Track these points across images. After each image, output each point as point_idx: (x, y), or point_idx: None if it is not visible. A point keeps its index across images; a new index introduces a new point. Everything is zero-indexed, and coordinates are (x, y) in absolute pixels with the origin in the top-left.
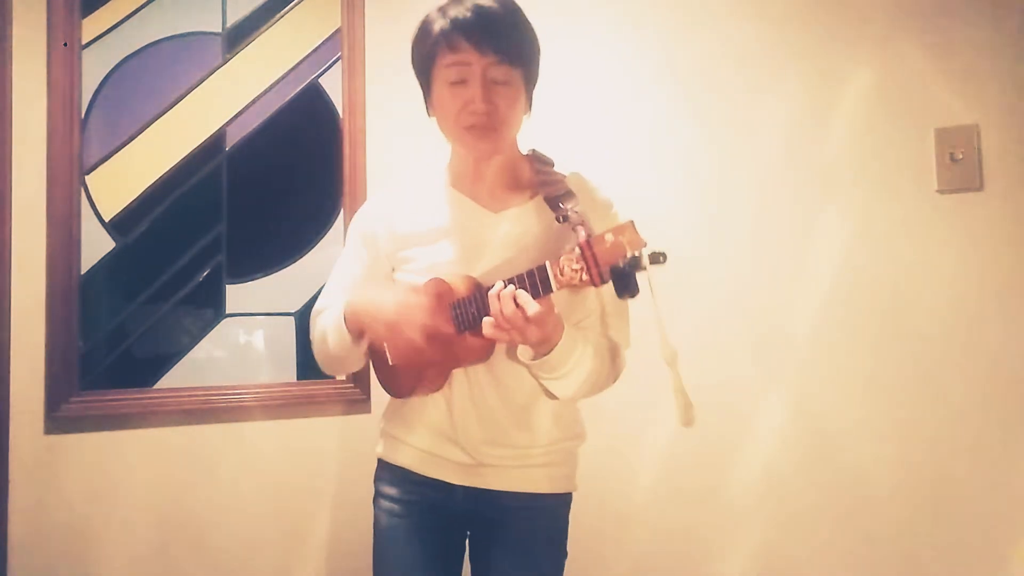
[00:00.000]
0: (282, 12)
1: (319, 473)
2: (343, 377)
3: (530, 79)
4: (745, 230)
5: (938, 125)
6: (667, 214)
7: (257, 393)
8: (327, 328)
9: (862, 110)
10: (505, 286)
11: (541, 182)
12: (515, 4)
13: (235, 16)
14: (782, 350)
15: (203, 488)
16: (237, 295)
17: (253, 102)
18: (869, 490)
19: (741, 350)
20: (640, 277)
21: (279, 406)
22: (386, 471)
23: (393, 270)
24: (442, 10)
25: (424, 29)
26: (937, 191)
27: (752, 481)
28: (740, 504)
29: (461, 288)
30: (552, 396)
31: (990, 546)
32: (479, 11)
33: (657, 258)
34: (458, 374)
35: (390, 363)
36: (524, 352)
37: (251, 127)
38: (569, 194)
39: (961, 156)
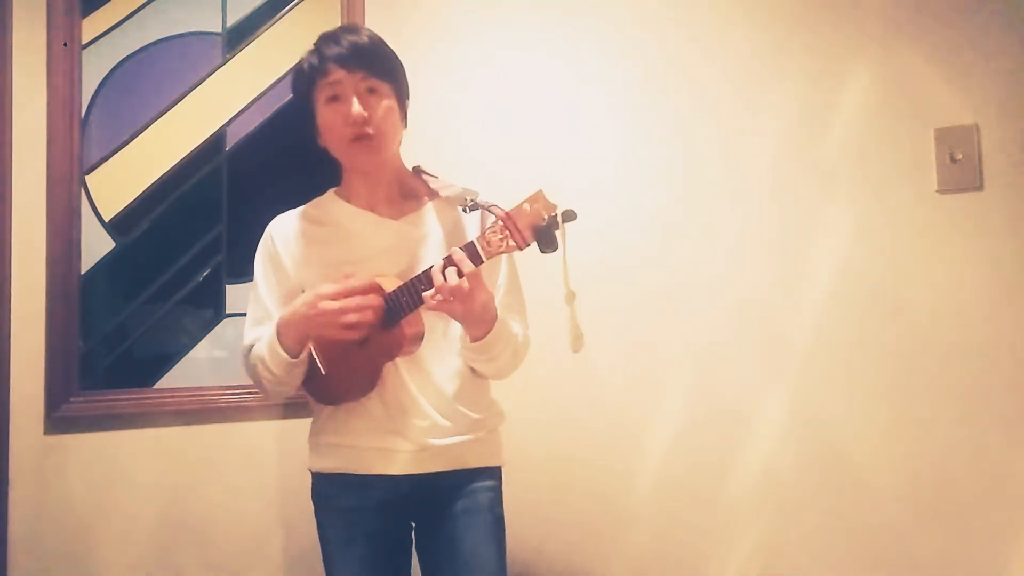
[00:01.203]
0: (282, 12)
1: None
2: None
3: (400, 94)
4: (745, 230)
5: (938, 125)
6: (667, 214)
7: (257, 393)
8: (263, 354)
9: (862, 110)
10: (445, 266)
11: (435, 188)
12: (377, 35)
13: (235, 16)
14: (782, 350)
15: (203, 488)
16: (237, 295)
17: (253, 102)
18: (869, 490)
19: (741, 350)
20: (557, 235)
21: (279, 406)
22: (325, 482)
23: (304, 290)
24: (313, 50)
25: (299, 69)
26: (937, 191)
27: (752, 481)
28: (740, 504)
29: (387, 284)
30: (482, 376)
31: (990, 546)
32: (344, 42)
33: (569, 215)
34: (387, 368)
35: (323, 372)
36: (464, 338)
37: (251, 127)
38: (468, 190)
39: (961, 156)
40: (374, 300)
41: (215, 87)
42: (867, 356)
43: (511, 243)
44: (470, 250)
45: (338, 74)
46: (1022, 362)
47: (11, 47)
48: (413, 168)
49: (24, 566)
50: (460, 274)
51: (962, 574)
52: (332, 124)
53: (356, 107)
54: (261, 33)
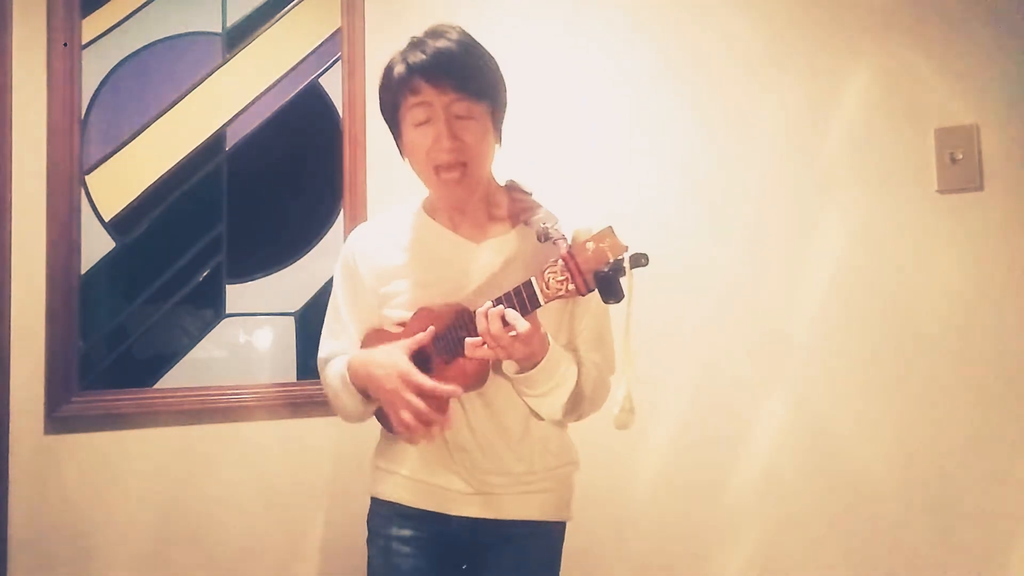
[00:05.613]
0: (282, 12)
1: (318, 473)
2: None
3: (496, 112)
4: (745, 230)
5: (938, 125)
6: (667, 214)
7: (257, 393)
8: (337, 386)
9: (862, 110)
10: (494, 305)
11: (521, 210)
12: (473, 41)
13: (235, 16)
14: (782, 350)
15: (203, 488)
16: (237, 295)
17: (253, 102)
18: (868, 489)
19: (741, 350)
20: (623, 282)
21: (279, 406)
22: (381, 508)
23: (381, 305)
24: (402, 55)
25: (387, 76)
26: (937, 191)
27: (752, 480)
28: (740, 503)
29: (448, 315)
30: (538, 416)
31: (988, 544)
32: (436, 53)
33: (639, 260)
34: (453, 402)
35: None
36: (509, 366)
37: (251, 127)
38: (548, 215)
39: (961, 156)
40: (440, 418)
41: (215, 87)
42: (867, 356)
43: (570, 287)
44: (528, 291)
45: (427, 94)
46: (1020, 361)
47: (11, 47)
48: (507, 183)
49: (24, 566)
50: (505, 321)
51: (960, 572)
52: (419, 147)
53: (446, 140)
54: (261, 33)
